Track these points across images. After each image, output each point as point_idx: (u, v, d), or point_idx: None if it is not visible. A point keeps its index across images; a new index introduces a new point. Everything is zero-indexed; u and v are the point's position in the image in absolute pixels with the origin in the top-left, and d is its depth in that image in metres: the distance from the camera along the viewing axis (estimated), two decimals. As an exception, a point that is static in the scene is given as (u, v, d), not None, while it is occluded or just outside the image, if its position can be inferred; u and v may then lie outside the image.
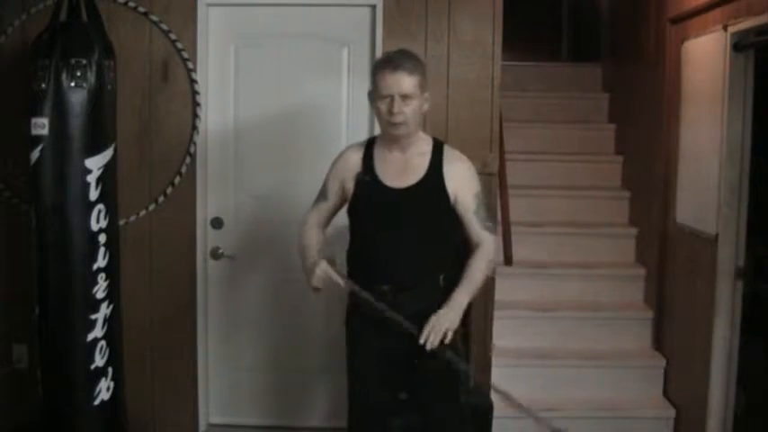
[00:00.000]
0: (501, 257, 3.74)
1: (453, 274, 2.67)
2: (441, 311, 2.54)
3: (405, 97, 2.58)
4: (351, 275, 2.72)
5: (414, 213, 2.66)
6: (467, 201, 2.68)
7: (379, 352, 2.70)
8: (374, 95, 2.66)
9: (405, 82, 2.57)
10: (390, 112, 2.59)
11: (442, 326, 2.50)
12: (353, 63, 3.67)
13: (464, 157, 2.75)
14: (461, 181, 2.68)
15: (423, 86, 2.63)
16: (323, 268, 2.63)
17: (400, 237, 2.65)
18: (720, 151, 3.25)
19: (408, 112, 2.59)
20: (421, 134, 2.74)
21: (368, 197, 2.71)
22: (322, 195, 2.82)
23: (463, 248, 2.73)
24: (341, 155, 2.83)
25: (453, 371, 2.62)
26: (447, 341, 2.51)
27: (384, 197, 2.68)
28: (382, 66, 2.63)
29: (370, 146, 2.77)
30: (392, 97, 2.58)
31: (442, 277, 2.68)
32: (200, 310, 3.73)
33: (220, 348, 3.83)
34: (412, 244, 2.65)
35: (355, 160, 2.74)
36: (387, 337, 2.64)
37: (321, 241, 2.78)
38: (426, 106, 2.70)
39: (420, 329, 2.52)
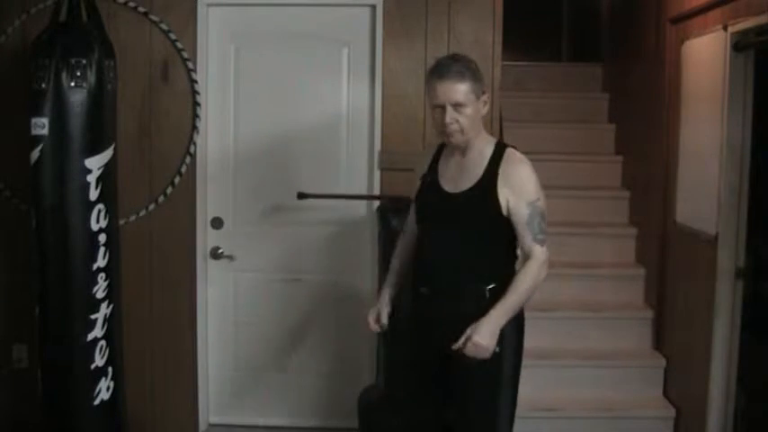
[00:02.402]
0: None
1: (500, 286, 2.53)
2: (478, 326, 2.44)
3: (457, 105, 2.47)
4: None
5: (463, 220, 2.55)
6: (519, 209, 2.49)
7: (421, 358, 2.69)
8: (429, 104, 2.57)
9: (454, 90, 2.46)
10: (443, 123, 2.49)
11: (475, 339, 2.43)
12: (353, 63, 3.67)
13: (524, 161, 2.55)
14: (515, 187, 2.50)
15: (477, 92, 2.50)
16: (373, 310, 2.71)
17: (447, 241, 2.57)
18: (720, 151, 3.24)
19: (462, 120, 2.48)
20: (484, 136, 2.60)
21: (426, 198, 2.66)
22: (413, 200, 2.78)
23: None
24: (420, 156, 2.80)
25: (494, 377, 2.56)
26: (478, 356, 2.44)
27: (438, 200, 2.61)
28: (431, 74, 2.52)
29: (441, 147, 2.70)
30: (443, 107, 2.48)
31: (488, 289, 2.52)
32: (200, 310, 3.73)
33: (220, 348, 3.83)
34: (457, 250, 2.55)
35: (426, 161, 2.70)
36: (430, 341, 2.63)
37: (405, 255, 2.79)
38: (485, 109, 2.57)
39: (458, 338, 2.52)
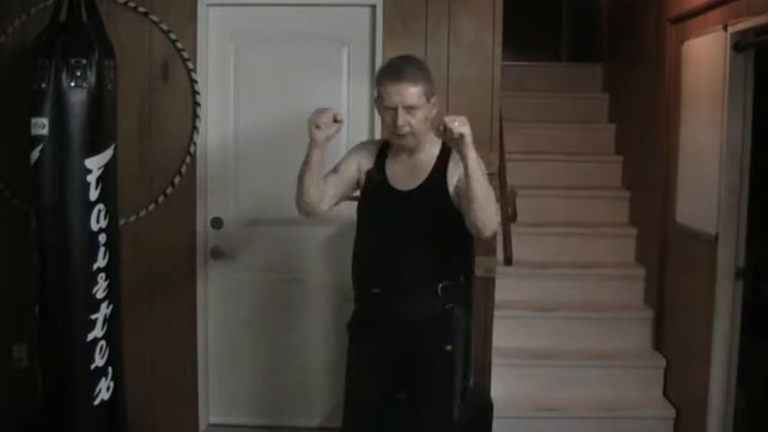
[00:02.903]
0: (501, 257, 3.74)
1: (452, 284, 2.60)
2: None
3: (409, 108, 2.48)
4: (352, 275, 2.71)
5: (414, 217, 2.56)
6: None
7: (377, 358, 2.65)
8: (379, 105, 2.56)
9: (408, 93, 2.47)
10: (395, 124, 2.50)
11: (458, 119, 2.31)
12: (353, 63, 3.67)
13: None
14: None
15: (428, 94, 2.52)
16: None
17: (399, 240, 2.58)
18: (720, 151, 3.25)
19: (414, 122, 2.49)
20: (431, 137, 2.60)
21: (374, 197, 2.66)
22: (332, 170, 2.71)
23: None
24: (362, 144, 2.81)
25: (447, 374, 2.59)
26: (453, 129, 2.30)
27: (389, 199, 2.62)
28: (384, 76, 2.52)
29: (386, 145, 2.70)
30: (395, 109, 2.48)
31: (440, 287, 2.57)
32: (200, 310, 3.73)
33: (220, 348, 3.83)
34: (409, 248, 2.57)
35: (372, 154, 2.69)
36: (385, 341, 2.62)
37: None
38: (434, 112, 2.58)
39: (413, 338, 2.56)
